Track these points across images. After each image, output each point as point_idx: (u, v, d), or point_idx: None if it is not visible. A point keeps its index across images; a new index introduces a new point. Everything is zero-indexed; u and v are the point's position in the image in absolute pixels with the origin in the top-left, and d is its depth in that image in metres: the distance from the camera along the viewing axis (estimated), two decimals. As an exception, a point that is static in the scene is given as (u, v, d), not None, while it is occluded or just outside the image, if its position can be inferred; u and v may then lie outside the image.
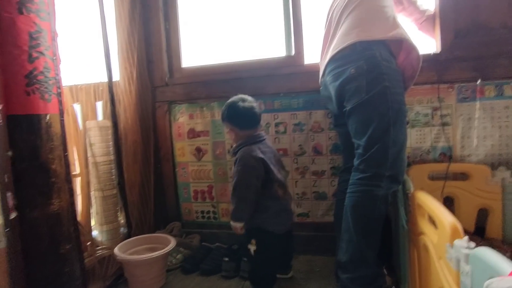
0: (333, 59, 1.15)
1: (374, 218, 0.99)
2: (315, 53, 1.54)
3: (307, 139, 1.54)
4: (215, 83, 1.62)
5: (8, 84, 0.98)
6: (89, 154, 1.58)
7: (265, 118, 1.58)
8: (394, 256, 1.19)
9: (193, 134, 1.67)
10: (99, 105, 1.71)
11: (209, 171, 1.67)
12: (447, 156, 1.40)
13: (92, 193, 1.63)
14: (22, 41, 0.98)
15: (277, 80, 1.54)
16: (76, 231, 1.15)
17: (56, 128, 1.08)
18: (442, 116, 1.40)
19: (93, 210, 1.62)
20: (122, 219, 1.71)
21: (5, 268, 0.94)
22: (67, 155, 1.13)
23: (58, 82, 1.10)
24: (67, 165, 1.12)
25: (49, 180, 1.05)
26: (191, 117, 1.67)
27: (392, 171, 0.98)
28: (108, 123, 1.63)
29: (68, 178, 1.13)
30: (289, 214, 1.27)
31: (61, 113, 1.11)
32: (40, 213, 1.04)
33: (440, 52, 1.38)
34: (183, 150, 1.70)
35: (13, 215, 0.98)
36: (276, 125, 1.57)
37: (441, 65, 1.37)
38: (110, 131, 1.63)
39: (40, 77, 1.02)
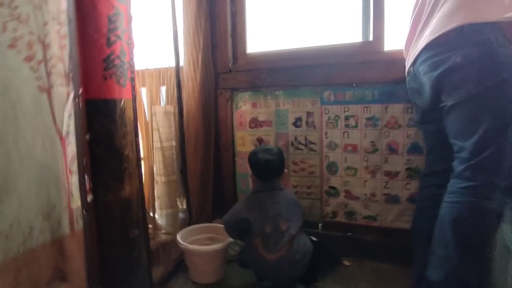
0: (430, 46, 0.98)
1: (480, 235, 0.84)
2: (396, 39, 1.36)
3: (381, 135, 1.39)
4: (281, 71, 1.52)
5: (87, 68, 0.98)
6: (155, 138, 1.60)
7: (334, 110, 1.45)
8: (492, 281, 1.02)
9: (255, 123, 1.61)
10: (163, 90, 1.73)
11: (269, 163, 1.60)
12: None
13: (154, 177, 1.66)
14: (102, 25, 0.97)
15: (350, 68, 1.40)
16: (144, 217, 1.16)
17: (129, 113, 1.08)
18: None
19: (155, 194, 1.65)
20: (180, 205, 1.72)
21: (82, 248, 0.97)
22: (138, 140, 1.13)
23: (132, 66, 1.08)
24: (137, 151, 1.12)
25: (122, 165, 1.05)
26: (254, 105, 1.60)
27: (510, 181, 0.82)
28: (172, 109, 1.62)
29: (138, 164, 1.13)
30: (278, 271, 1.12)
31: (134, 98, 1.10)
32: (113, 197, 1.05)
33: None
34: (243, 139, 1.65)
35: (89, 198, 1.00)
36: (346, 118, 1.44)
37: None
38: (172, 117, 1.63)
39: (117, 62, 1.01)
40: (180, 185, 1.69)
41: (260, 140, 1.61)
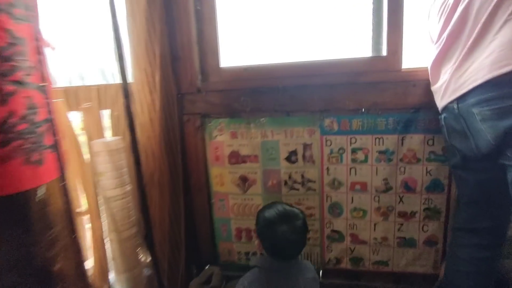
0: (492, 83, 0.72)
1: None
2: (413, 53, 1.10)
3: (396, 171, 1.15)
4: (268, 92, 1.17)
5: (-36, 148, 0.55)
6: (101, 185, 1.18)
7: (338, 141, 1.16)
8: None
9: (236, 158, 1.26)
10: (106, 116, 1.29)
11: (257, 206, 1.28)
12: None
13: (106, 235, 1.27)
14: (-18, 66, 0.53)
15: (358, 90, 1.11)
16: None
17: (56, 204, 0.67)
18: None
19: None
20: (143, 257, 1.35)
21: None
22: (75, 237, 0.72)
23: (54, 125, 0.66)
24: (77, 253, 0.72)
25: (53, 288, 0.66)
26: (233, 136, 1.24)
27: None
28: (121, 143, 1.20)
29: (80, 271, 0.74)
30: None
31: (62, 175, 0.69)
32: None
33: None
34: (221, 177, 1.29)
35: None
36: (353, 151, 1.16)
37: None
38: (123, 155, 1.21)
39: (22, 126, 0.59)
40: (141, 239, 1.30)
41: (244, 179, 1.27)
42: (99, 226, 1.25)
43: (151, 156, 1.22)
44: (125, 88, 1.08)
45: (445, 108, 0.90)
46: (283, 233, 0.83)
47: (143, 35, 1.12)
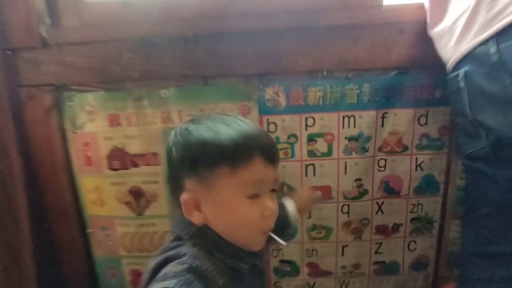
0: None
1: None
2: None
3: (373, 167, 0.76)
4: (169, 44, 0.69)
5: None
6: None
7: (286, 124, 0.73)
8: None
9: (121, 159, 0.75)
10: None
11: (162, 233, 0.79)
12: None
13: None
14: None
15: (317, 40, 0.69)
16: None
17: None
18: None
19: None
20: None
21: None
22: None
23: None
24: None
25: None
26: (114, 121, 0.73)
27: None
28: None
29: None
30: None
31: None
32: None
33: None
34: (100, 192, 0.77)
35: None
36: (311, 138, 0.74)
37: None
38: None
39: None
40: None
41: (137, 193, 0.77)
42: None
43: None
44: None
45: (468, 56, 0.52)
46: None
47: None
